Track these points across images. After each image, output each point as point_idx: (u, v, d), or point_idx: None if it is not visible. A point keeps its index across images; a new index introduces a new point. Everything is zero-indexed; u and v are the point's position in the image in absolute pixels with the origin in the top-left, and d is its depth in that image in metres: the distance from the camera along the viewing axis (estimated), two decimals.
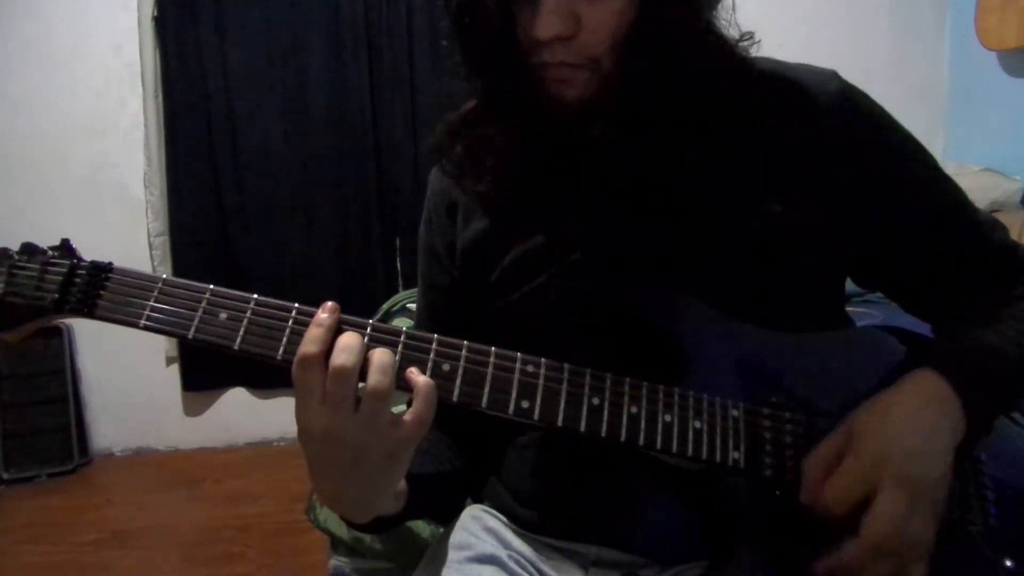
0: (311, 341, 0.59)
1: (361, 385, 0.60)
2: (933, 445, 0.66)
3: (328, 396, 0.59)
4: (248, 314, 0.64)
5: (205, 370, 3.18)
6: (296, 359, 0.59)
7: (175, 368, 3.21)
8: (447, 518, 0.91)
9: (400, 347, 0.64)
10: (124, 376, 3.16)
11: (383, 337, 0.64)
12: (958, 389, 0.68)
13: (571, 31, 0.67)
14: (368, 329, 0.64)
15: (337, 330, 0.61)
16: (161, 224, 3.11)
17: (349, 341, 0.60)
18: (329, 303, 0.62)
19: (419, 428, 0.62)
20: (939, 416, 0.67)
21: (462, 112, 0.80)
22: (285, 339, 0.63)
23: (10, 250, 0.66)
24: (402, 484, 0.70)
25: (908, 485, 0.63)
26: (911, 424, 0.66)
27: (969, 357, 0.72)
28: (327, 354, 0.59)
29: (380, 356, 0.60)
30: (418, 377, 0.62)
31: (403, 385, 0.62)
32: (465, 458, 0.87)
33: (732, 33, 0.74)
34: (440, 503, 0.89)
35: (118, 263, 0.67)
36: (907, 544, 0.63)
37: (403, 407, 0.62)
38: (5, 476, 2.92)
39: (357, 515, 0.69)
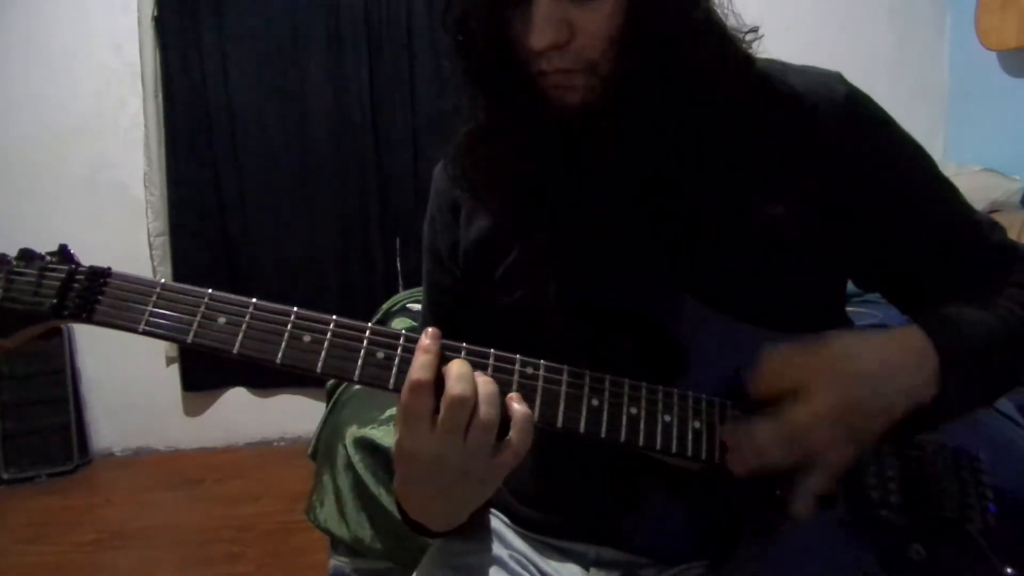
0: (422, 368, 0.61)
1: None
2: (886, 383, 0.66)
3: (441, 424, 0.61)
4: (247, 318, 0.63)
5: (205, 370, 3.18)
6: (407, 385, 0.61)
7: (175, 368, 3.22)
8: None
9: (399, 349, 0.64)
10: (124, 376, 3.16)
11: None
12: (937, 346, 0.68)
13: (565, 38, 0.67)
14: (463, 352, 0.65)
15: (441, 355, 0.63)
16: (161, 224, 3.11)
17: (463, 370, 0.61)
18: (430, 329, 0.64)
19: (517, 458, 0.64)
20: (909, 364, 0.68)
21: (467, 131, 0.80)
22: (284, 343, 0.63)
23: (8, 256, 0.66)
24: None
25: (842, 399, 0.64)
26: (874, 358, 0.68)
27: (953, 321, 0.72)
28: (437, 381, 0.61)
29: (488, 387, 0.62)
30: (517, 405, 0.64)
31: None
32: None
33: (735, 30, 0.74)
34: None
35: (118, 263, 0.67)
36: (814, 446, 0.64)
37: None
38: (5, 476, 2.92)
39: (441, 527, 0.73)
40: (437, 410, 0.61)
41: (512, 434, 0.63)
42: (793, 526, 0.67)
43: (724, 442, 0.67)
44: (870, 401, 0.65)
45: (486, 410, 0.61)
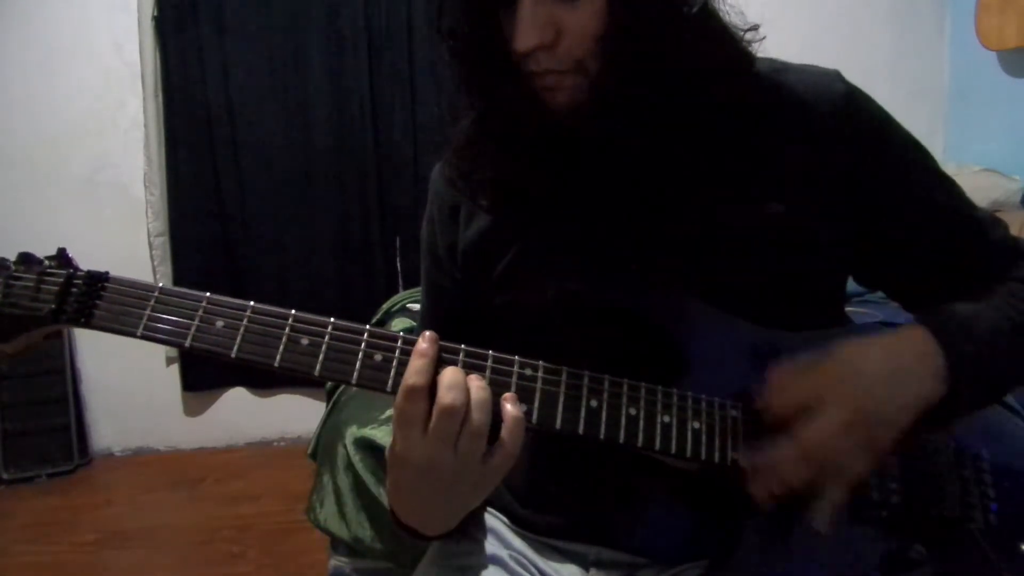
0: (416, 373, 0.61)
1: None
2: (897, 389, 0.67)
3: (433, 431, 0.60)
4: (245, 322, 0.63)
5: (205, 370, 3.17)
6: (402, 390, 0.61)
7: (175, 368, 3.21)
8: None
9: (396, 351, 0.64)
10: (124, 376, 3.15)
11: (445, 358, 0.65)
12: (944, 346, 0.68)
13: (551, 39, 0.67)
14: (461, 353, 0.65)
15: (438, 359, 0.63)
16: (161, 224, 3.10)
17: (455, 379, 0.61)
18: (427, 333, 0.63)
19: (509, 460, 0.63)
20: (917, 367, 0.68)
21: (461, 128, 0.80)
22: (282, 346, 0.63)
23: (7, 260, 0.66)
24: None
25: (853, 410, 0.65)
26: (882, 364, 0.68)
27: (959, 320, 0.72)
28: (432, 386, 0.61)
29: (480, 393, 0.62)
30: (510, 408, 0.63)
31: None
32: None
33: (734, 28, 0.73)
34: None
35: (118, 263, 0.67)
36: (831, 462, 0.64)
37: None
38: (5, 476, 2.91)
39: (434, 531, 0.72)
40: (431, 415, 0.61)
41: (503, 435, 0.63)
42: (795, 527, 0.67)
43: (741, 469, 0.67)
44: (882, 408, 0.66)
45: (477, 417, 0.61)
